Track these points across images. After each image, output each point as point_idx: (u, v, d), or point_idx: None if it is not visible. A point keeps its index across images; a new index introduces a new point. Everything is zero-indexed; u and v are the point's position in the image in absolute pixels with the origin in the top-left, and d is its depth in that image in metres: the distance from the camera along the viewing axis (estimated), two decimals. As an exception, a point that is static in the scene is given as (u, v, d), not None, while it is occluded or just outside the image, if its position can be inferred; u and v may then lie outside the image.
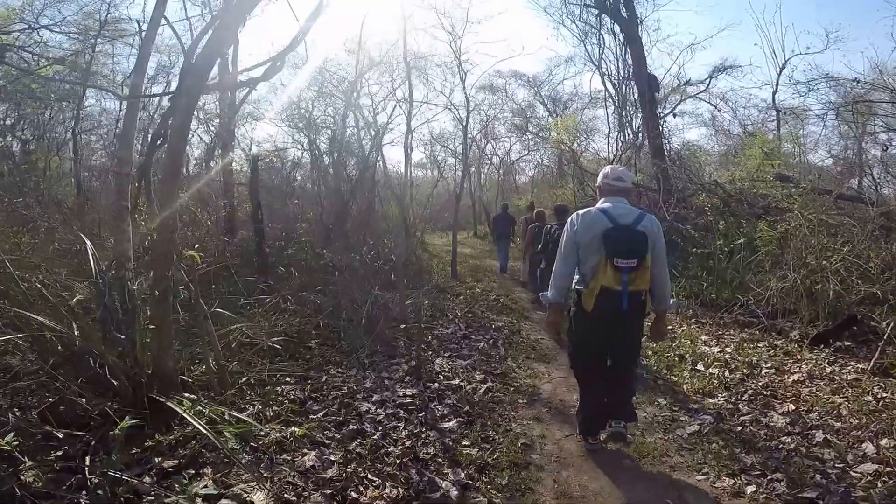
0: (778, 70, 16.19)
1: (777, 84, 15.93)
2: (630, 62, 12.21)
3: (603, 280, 2.77)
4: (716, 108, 14.48)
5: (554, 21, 18.30)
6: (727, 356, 5.23)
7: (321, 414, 3.31)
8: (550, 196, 17.02)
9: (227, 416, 2.65)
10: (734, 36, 34.85)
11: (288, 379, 3.79)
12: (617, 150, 13.88)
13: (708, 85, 13.70)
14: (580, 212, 3.00)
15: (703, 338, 6.04)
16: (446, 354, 5.15)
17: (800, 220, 6.46)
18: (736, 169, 14.80)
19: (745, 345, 5.61)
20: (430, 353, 5.13)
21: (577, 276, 2.97)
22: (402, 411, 3.52)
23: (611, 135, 14.79)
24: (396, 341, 5.27)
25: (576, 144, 14.36)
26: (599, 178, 3.13)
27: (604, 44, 14.66)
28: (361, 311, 5.43)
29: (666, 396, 4.12)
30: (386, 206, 18.52)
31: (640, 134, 12.35)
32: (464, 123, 11.71)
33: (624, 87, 13.67)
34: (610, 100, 15.76)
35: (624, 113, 13.95)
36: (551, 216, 7.37)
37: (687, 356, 5.24)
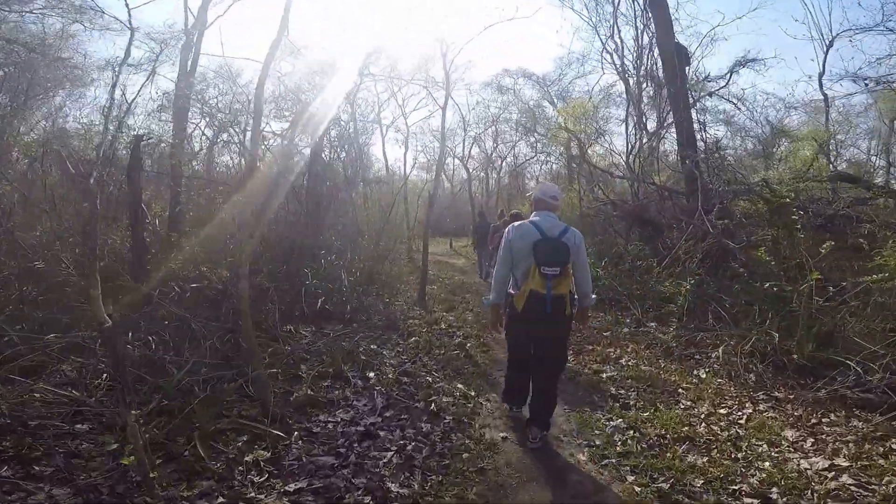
0: (825, 49, 13.45)
1: (824, 66, 13.17)
2: (653, 29, 9.68)
3: (532, 284, 3.13)
4: (736, 105, 11.71)
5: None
6: (848, 482, 2.70)
7: None
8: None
9: None
10: (765, 17, 31.39)
11: None
12: (633, 141, 11.21)
13: (728, 80, 11.01)
14: (515, 224, 3.34)
15: (789, 434, 3.48)
16: (299, 486, 2.67)
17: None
18: (776, 167, 12.21)
19: (870, 448, 3.06)
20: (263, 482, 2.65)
21: (511, 280, 3.33)
22: None
23: (628, 120, 12.06)
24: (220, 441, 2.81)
25: (583, 135, 11.81)
26: (536, 192, 3.45)
27: (618, 6, 12.00)
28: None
29: None
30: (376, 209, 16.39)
31: (664, 119, 9.72)
32: (442, 105, 9.26)
33: (644, 61, 11.05)
34: (624, 81, 13.14)
35: (644, 92, 11.29)
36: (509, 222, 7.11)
37: (773, 486, 2.72)
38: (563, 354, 3.48)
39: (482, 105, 21.39)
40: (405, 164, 18.47)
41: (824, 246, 4.56)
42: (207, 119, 16.00)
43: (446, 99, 9.37)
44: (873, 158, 18.18)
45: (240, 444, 3.20)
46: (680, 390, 4.24)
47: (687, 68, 9.47)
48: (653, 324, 6.36)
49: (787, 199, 6.91)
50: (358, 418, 3.66)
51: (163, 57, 14.45)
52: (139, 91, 16.43)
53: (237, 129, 17.08)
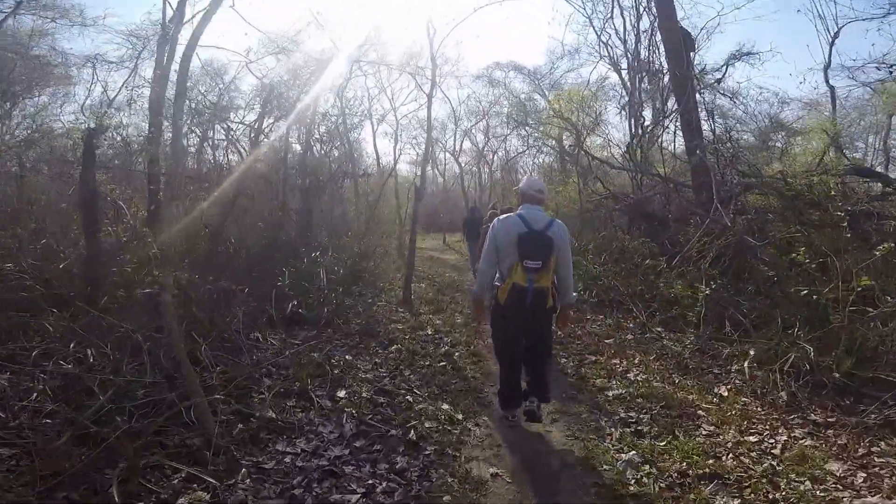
0: (829, 41, 12.91)
1: (830, 57, 12.62)
2: (655, 12, 9.07)
3: (515, 278, 3.11)
4: (732, 99, 11.04)
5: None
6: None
7: None
8: (551, 196, 13.99)
9: None
10: (767, 6, 30.68)
11: None
12: (634, 129, 10.55)
13: (724, 73, 10.34)
14: (501, 217, 3.33)
15: (835, 467, 2.92)
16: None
17: None
18: (782, 161, 11.60)
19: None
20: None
21: (497, 274, 3.27)
22: None
23: (627, 109, 11.39)
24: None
25: (581, 124, 11.19)
26: (522, 184, 3.41)
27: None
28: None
29: None
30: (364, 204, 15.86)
31: (666, 107, 9.11)
32: (428, 93, 8.62)
33: (643, 47, 10.41)
34: (617, 72, 12.53)
35: (641, 81, 10.65)
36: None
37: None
38: (547, 343, 3.52)
39: (473, 98, 20.96)
40: (395, 158, 17.81)
41: (881, 248, 3.97)
42: (196, 117, 15.47)
43: (432, 87, 8.73)
44: (869, 154, 17.69)
45: (175, 481, 2.63)
46: (700, 412, 3.65)
47: (692, 54, 8.88)
48: (659, 329, 5.79)
49: (801, 194, 6.41)
50: (322, 449, 3.07)
51: (146, 53, 13.92)
52: (119, 89, 15.78)
53: (223, 126, 16.53)
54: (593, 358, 5.09)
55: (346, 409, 3.56)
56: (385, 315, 6.69)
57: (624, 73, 13.15)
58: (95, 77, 15.16)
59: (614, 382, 4.33)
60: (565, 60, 21.40)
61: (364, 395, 3.85)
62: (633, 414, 3.67)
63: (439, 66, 23.51)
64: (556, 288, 3.30)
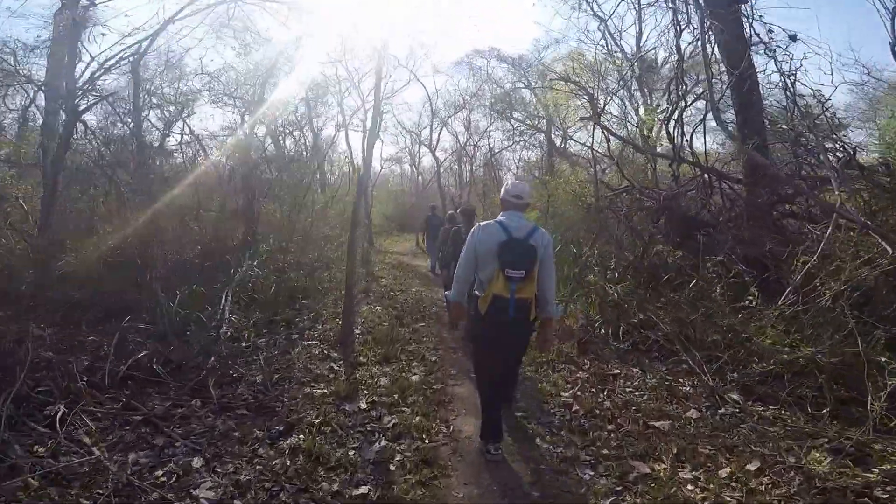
0: (890, 17, 10.75)
1: (893, 31, 10.48)
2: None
3: (495, 288, 2.90)
4: (788, 77, 8.65)
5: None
6: None
7: None
8: (537, 196, 11.92)
9: None
10: None
11: None
12: (674, 99, 7.83)
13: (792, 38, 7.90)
14: (482, 224, 3.12)
15: None
16: None
17: None
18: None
19: None
20: None
21: (476, 282, 3.08)
22: None
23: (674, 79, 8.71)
24: None
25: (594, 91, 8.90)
26: (502, 190, 3.22)
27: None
28: None
29: None
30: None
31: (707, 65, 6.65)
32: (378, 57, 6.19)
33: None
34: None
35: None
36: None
37: None
38: (520, 360, 3.43)
39: (450, 86, 18.87)
40: (364, 151, 15.54)
41: None
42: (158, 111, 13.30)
43: (380, 58, 6.26)
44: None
45: None
46: None
47: (742, 6, 6.69)
48: (735, 396, 3.58)
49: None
50: None
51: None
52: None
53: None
54: (644, 468, 2.82)
55: None
56: (305, 366, 4.34)
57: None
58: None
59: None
60: (551, 50, 19.40)
61: None
62: None
63: (413, 50, 21.68)
64: (537, 298, 3.01)
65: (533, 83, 16.62)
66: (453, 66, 26.40)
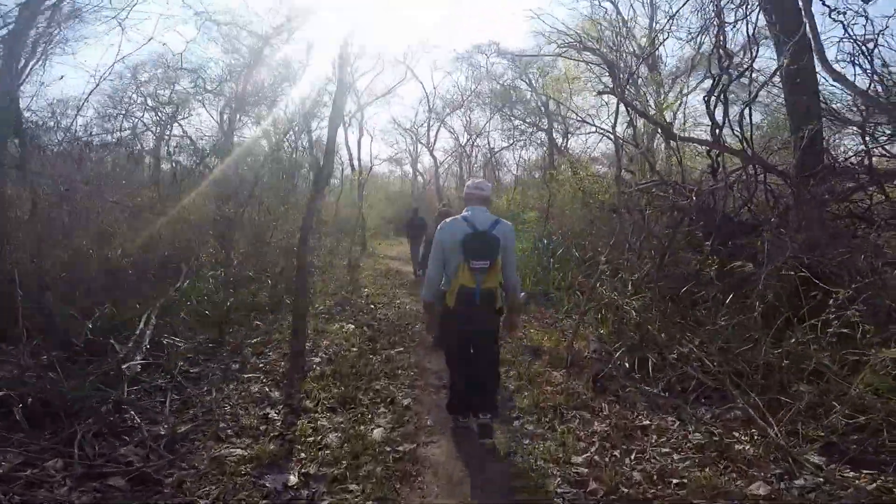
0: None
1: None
2: None
3: (462, 280, 3.02)
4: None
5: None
6: None
7: None
8: (537, 197, 10.95)
9: None
10: None
11: None
12: (719, 72, 6.16)
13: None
14: (447, 220, 3.24)
15: None
16: None
17: None
18: None
19: None
20: None
21: (444, 277, 3.17)
22: None
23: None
24: None
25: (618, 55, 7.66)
26: (465, 188, 3.36)
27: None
28: None
29: None
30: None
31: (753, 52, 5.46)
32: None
33: None
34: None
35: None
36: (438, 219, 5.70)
37: None
38: (496, 346, 3.33)
39: (450, 80, 18.03)
40: (359, 149, 14.71)
41: None
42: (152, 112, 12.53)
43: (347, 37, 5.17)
44: None
45: None
46: None
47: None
48: (814, 458, 2.55)
49: None
50: None
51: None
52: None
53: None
54: None
55: None
56: (234, 411, 3.31)
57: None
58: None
59: None
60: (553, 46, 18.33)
61: None
62: None
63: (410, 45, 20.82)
64: (503, 286, 3.16)
65: (536, 66, 15.58)
66: (453, 62, 25.71)
